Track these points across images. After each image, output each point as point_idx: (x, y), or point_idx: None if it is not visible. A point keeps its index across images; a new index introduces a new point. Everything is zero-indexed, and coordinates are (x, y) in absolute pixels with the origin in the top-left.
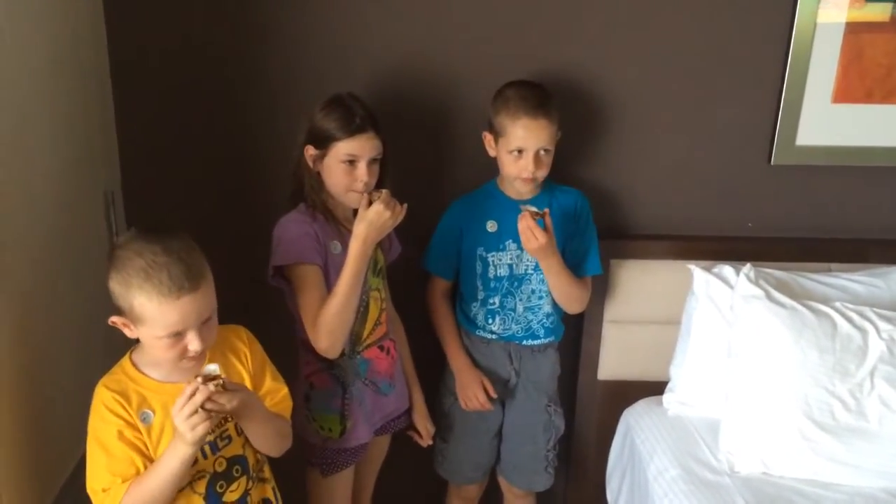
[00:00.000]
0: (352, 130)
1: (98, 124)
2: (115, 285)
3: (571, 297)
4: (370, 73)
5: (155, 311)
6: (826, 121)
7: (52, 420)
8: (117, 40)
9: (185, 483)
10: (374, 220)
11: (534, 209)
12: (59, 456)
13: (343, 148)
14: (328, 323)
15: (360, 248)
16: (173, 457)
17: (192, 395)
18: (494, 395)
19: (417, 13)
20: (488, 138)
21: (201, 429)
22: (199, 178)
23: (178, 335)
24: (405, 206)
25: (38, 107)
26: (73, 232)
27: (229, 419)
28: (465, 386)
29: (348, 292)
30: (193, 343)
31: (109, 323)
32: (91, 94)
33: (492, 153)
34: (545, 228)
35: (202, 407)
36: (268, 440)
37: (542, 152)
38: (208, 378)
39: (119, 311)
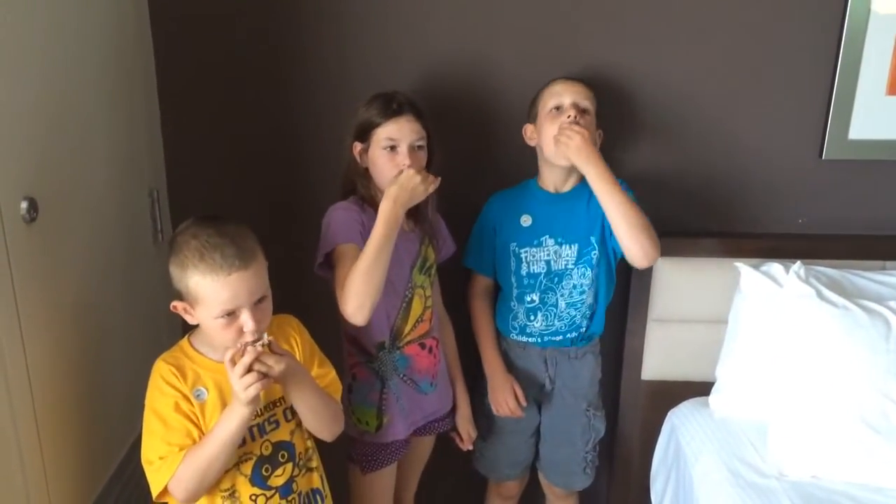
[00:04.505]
0: (390, 114)
1: (143, 123)
2: (174, 268)
3: (639, 222)
4: (415, 72)
5: (208, 288)
6: (880, 114)
7: (104, 402)
8: (163, 41)
9: (233, 464)
10: (404, 182)
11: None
12: (112, 438)
13: (383, 132)
14: (354, 284)
15: (390, 209)
16: (230, 418)
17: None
18: (525, 403)
19: (463, 13)
20: (529, 129)
21: (253, 389)
22: (242, 177)
23: (232, 315)
24: (438, 178)
25: (86, 106)
26: (118, 229)
27: (278, 404)
28: (496, 391)
29: (376, 253)
30: (248, 323)
31: (171, 309)
32: (137, 92)
33: (532, 142)
34: None
35: (252, 368)
36: (318, 417)
37: (581, 104)
38: (256, 342)
39: (179, 295)
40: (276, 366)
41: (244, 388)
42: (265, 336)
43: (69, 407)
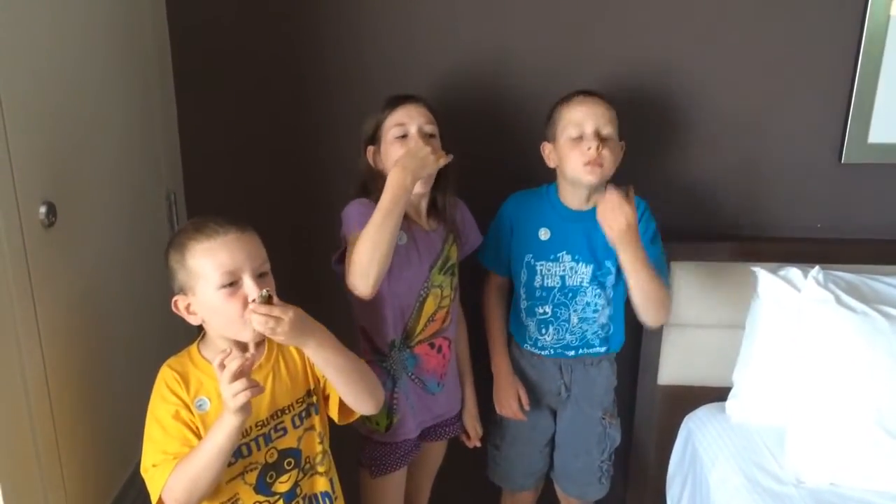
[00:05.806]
0: (397, 102)
1: (161, 126)
2: (173, 256)
3: (657, 299)
4: (434, 73)
5: (206, 255)
6: None
7: (119, 405)
8: (180, 44)
9: (237, 473)
10: (413, 149)
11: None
12: (127, 441)
13: (391, 121)
14: (358, 251)
15: (398, 175)
16: (220, 428)
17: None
18: (528, 408)
19: (482, 13)
20: (547, 148)
21: (242, 397)
22: (259, 180)
23: (234, 285)
24: (451, 155)
25: (105, 109)
26: (136, 233)
27: (287, 411)
28: (501, 392)
29: (382, 219)
30: (251, 290)
31: (172, 308)
32: (154, 96)
33: (552, 164)
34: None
35: (260, 329)
36: (349, 379)
37: (603, 132)
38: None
39: (179, 290)
40: (283, 315)
41: (233, 395)
42: (264, 290)
43: (86, 409)
